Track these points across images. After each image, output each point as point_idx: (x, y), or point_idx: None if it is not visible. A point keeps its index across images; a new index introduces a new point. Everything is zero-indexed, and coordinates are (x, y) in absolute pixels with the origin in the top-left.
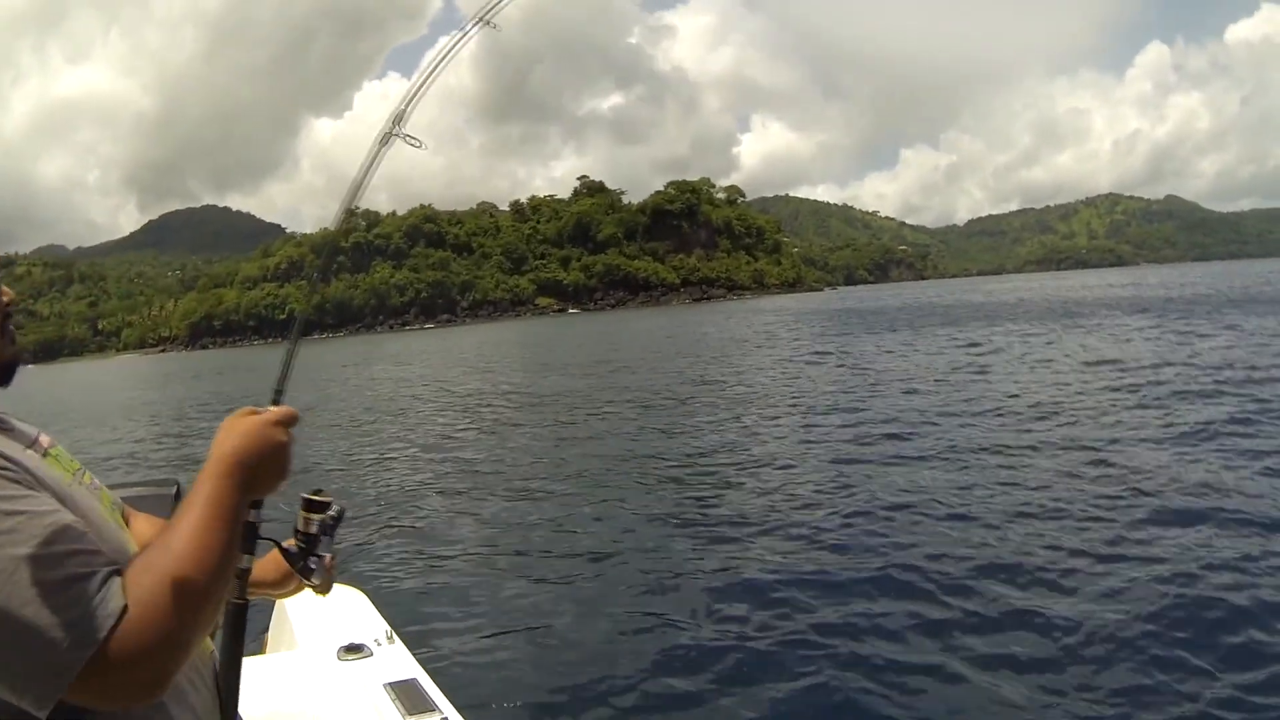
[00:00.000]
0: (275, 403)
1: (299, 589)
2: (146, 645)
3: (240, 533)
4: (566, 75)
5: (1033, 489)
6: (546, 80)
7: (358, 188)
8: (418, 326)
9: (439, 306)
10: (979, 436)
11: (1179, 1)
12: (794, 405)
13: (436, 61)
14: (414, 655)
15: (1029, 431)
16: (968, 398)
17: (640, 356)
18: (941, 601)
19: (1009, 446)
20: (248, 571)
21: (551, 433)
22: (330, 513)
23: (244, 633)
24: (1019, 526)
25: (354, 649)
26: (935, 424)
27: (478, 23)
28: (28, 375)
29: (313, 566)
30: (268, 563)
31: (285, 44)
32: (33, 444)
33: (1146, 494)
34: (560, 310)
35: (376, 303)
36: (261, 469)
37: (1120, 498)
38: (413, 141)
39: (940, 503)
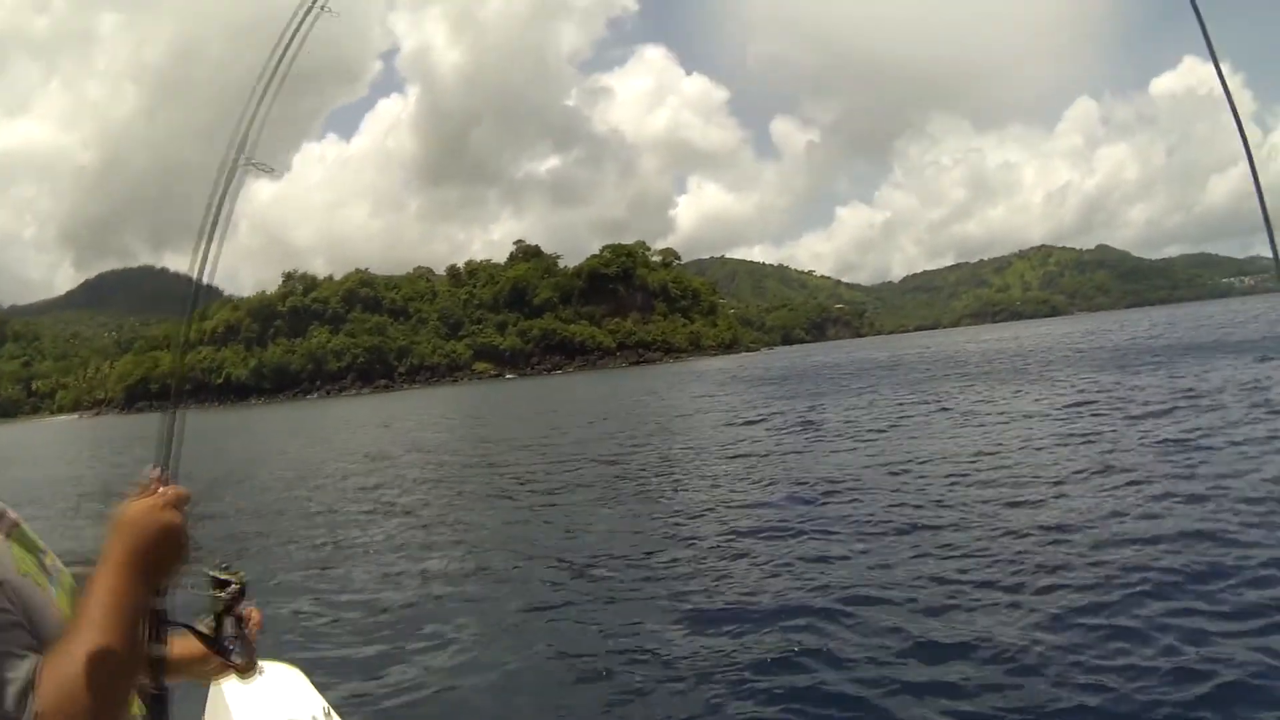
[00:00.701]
0: (163, 482)
1: (223, 671)
2: None
3: (141, 627)
4: (505, 137)
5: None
6: (485, 142)
7: (211, 226)
8: (355, 392)
9: (376, 371)
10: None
11: (1104, 57)
12: (727, 469)
13: (274, 67)
14: None
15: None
16: (900, 453)
17: (571, 421)
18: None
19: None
20: (162, 660)
21: (487, 495)
22: (232, 588)
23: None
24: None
25: None
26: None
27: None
28: None
29: (229, 647)
30: (189, 643)
31: (224, 103)
32: None
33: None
34: (497, 375)
35: (314, 367)
36: (158, 556)
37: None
38: (264, 168)
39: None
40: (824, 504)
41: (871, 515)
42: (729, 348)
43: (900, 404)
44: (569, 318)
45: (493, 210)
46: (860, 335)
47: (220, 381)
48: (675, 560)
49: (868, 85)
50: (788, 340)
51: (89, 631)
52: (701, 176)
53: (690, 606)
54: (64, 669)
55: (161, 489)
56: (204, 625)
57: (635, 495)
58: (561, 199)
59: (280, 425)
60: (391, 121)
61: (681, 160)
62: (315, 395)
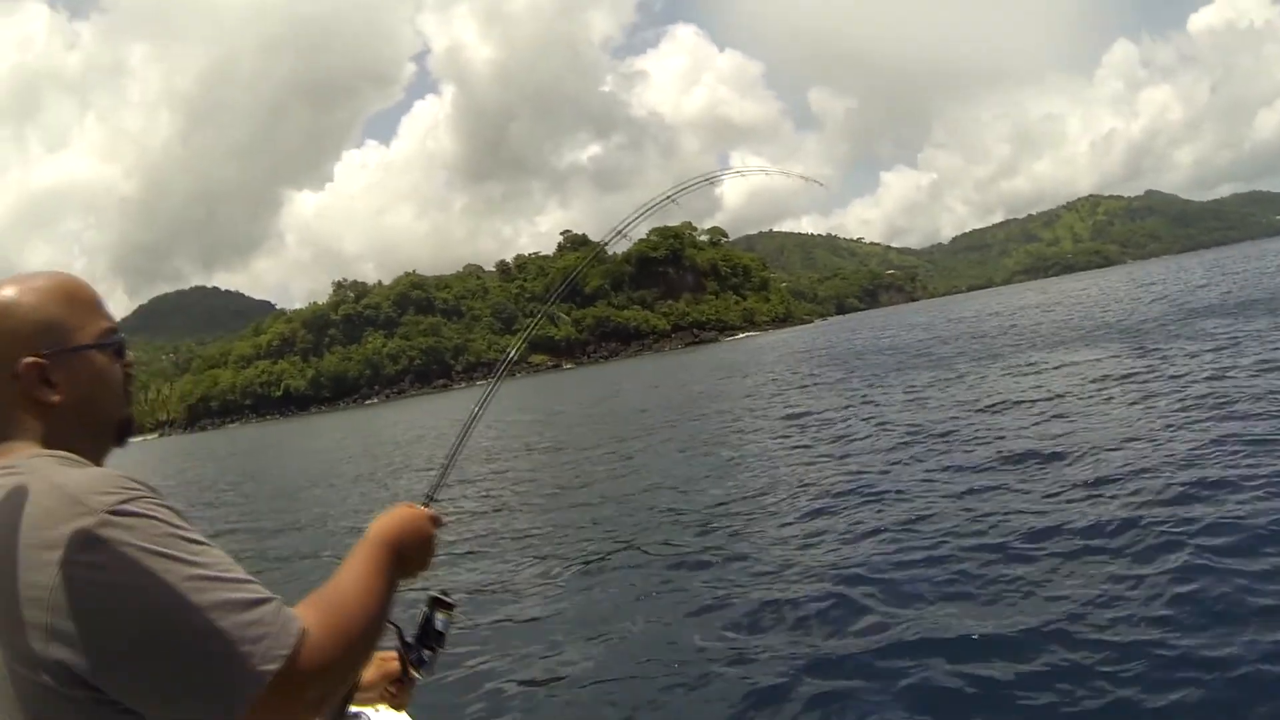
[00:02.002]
0: (428, 504)
1: (382, 698)
2: (323, 664)
3: (391, 600)
4: (544, 128)
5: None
6: (524, 135)
7: None
8: (414, 393)
9: (434, 372)
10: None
11: None
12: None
13: None
14: None
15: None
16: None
17: (641, 405)
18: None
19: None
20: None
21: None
22: (450, 616)
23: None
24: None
25: None
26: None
27: None
28: None
29: (425, 659)
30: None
31: (260, 121)
32: None
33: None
34: (555, 366)
35: (371, 373)
36: (413, 554)
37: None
38: None
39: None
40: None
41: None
42: (783, 321)
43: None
44: (622, 304)
45: (538, 202)
46: (913, 299)
47: (279, 395)
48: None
49: (902, 55)
50: (841, 309)
51: (356, 577)
52: (744, 151)
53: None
54: (332, 599)
55: (426, 507)
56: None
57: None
58: (606, 185)
59: (370, 428)
60: (429, 123)
61: (722, 137)
62: (375, 400)
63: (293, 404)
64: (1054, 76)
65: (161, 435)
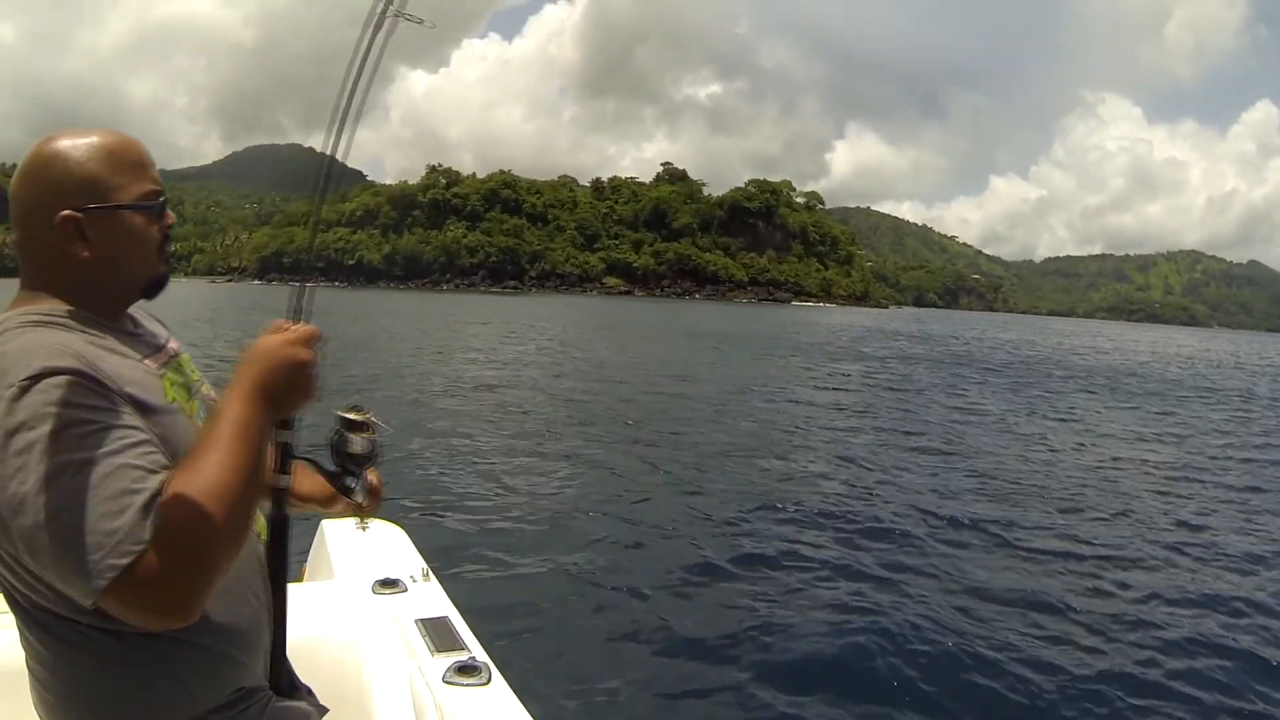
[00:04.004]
0: (297, 317)
1: (347, 509)
2: (172, 571)
3: (265, 453)
4: (669, 57)
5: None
6: (649, 59)
7: (351, 90)
8: (483, 290)
9: (507, 273)
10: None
11: None
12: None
13: None
14: (447, 594)
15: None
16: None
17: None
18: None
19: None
20: (285, 490)
21: (621, 403)
22: (367, 433)
23: (287, 546)
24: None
25: (389, 583)
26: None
27: None
28: None
29: (351, 485)
30: (317, 480)
31: None
32: (156, 351)
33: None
34: (626, 292)
35: (446, 260)
36: (285, 388)
37: None
38: (413, 19)
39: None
40: None
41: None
42: (859, 300)
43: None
44: (705, 245)
45: (647, 129)
46: (992, 309)
47: (352, 263)
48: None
49: (1043, 56)
50: (919, 302)
51: (214, 451)
52: (861, 125)
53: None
54: (188, 482)
55: (292, 326)
56: (330, 463)
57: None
58: (717, 126)
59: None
60: (555, 27)
61: (845, 105)
62: (445, 288)
63: (363, 275)
64: (1188, 123)
65: (231, 281)
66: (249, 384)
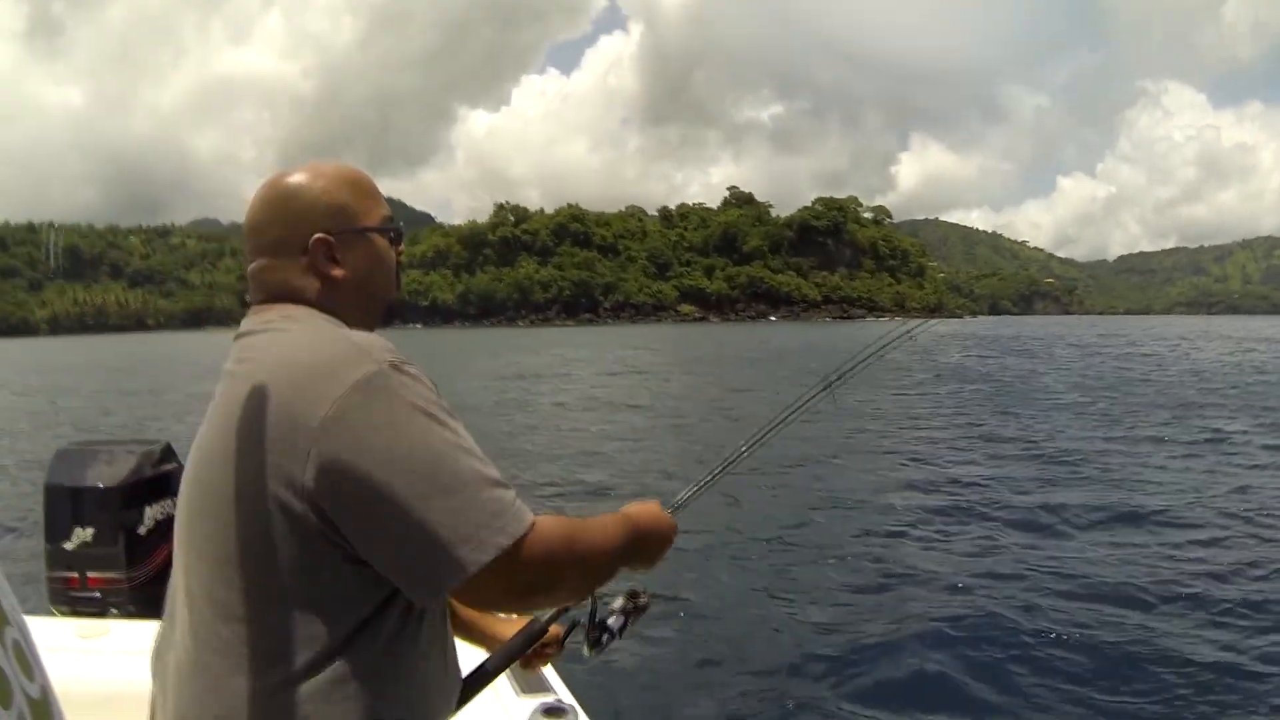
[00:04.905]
0: (674, 511)
1: (534, 659)
2: (544, 560)
3: (617, 567)
4: (728, 79)
5: None
6: (707, 83)
7: None
8: (558, 322)
9: (581, 305)
10: None
11: None
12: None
13: None
14: None
15: None
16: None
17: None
18: None
19: None
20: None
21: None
22: (642, 600)
23: (513, 655)
24: None
25: (554, 711)
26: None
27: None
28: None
29: (603, 640)
30: (511, 627)
31: (442, 34)
32: None
33: None
34: (701, 318)
35: (519, 297)
36: (649, 547)
37: None
38: None
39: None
40: None
41: None
42: (933, 311)
43: None
44: (777, 267)
45: (713, 153)
46: (1068, 313)
47: (426, 304)
48: None
49: (1101, 49)
50: (994, 310)
51: (600, 524)
52: (924, 135)
53: None
54: (571, 523)
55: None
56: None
57: None
58: (781, 146)
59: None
60: (613, 59)
61: (907, 116)
62: (521, 324)
63: (438, 315)
64: (1254, 105)
65: None
66: (637, 521)
